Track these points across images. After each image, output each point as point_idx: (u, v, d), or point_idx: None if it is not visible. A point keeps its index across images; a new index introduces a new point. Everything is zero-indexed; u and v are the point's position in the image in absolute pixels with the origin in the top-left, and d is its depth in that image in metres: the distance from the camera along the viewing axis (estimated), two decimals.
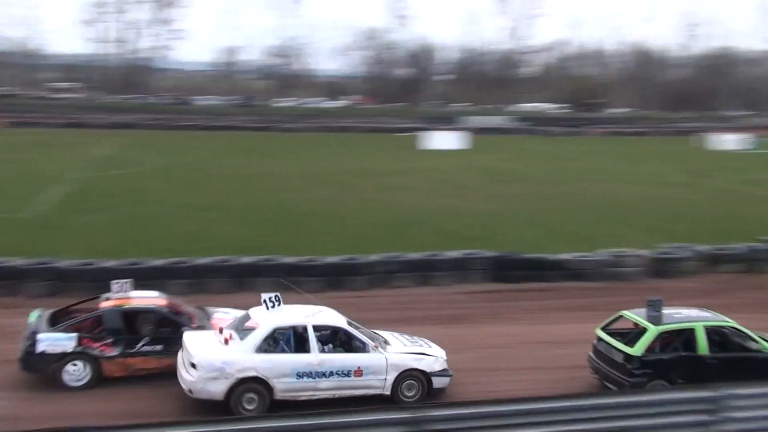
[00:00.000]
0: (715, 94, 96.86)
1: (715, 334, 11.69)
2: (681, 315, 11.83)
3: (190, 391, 10.47)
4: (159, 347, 11.76)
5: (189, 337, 11.11)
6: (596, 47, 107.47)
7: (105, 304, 12.12)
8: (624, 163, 45.62)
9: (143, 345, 11.74)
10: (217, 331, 11.08)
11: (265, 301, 11.13)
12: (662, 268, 18.90)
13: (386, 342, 11.57)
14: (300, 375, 10.64)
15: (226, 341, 10.73)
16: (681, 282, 18.46)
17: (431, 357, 11.43)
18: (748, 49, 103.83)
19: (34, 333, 11.52)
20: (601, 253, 18.97)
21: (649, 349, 11.16)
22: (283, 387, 10.56)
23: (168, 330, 11.95)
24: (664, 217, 26.74)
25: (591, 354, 11.98)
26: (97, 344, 11.58)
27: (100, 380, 11.54)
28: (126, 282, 12.44)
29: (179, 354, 11.13)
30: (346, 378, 10.81)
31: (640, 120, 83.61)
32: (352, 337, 11.12)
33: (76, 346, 11.47)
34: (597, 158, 48.96)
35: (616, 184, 35.68)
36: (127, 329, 11.86)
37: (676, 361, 11.19)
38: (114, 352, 11.60)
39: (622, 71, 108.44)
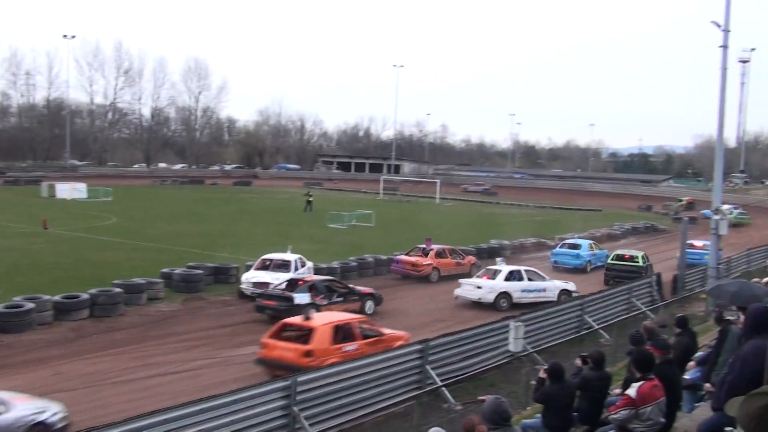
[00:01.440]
0: (54, 144, 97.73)
1: (644, 256, 30.15)
2: (635, 249, 32.58)
3: (480, 299, 23.52)
4: (341, 299, 21.29)
5: (467, 281, 24.83)
6: None
7: (308, 279, 21.80)
8: None
9: (335, 298, 21.25)
10: (476, 277, 25.26)
11: (497, 261, 27.02)
12: (13, 322, 18.27)
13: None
14: (522, 291, 23.99)
15: (488, 278, 24.30)
16: (35, 334, 18.23)
17: (571, 283, 25.49)
18: (81, 102, 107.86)
19: (287, 293, 20.56)
20: None
21: (642, 263, 29.14)
22: (515, 296, 23.79)
23: (340, 290, 21.82)
24: (10, 269, 25.90)
25: (607, 272, 29.00)
26: (317, 298, 20.67)
27: None
28: (310, 268, 25.08)
29: (461, 288, 24.38)
30: (539, 292, 24.19)
31: None
32: (540, 275, 25.37)
33: (310, 300, 20.32)
34: None
35: None
36: (327, 290, 21.34)
37: (648, 267, 28.77)
38: (325, 302, 20.69)
39: None
